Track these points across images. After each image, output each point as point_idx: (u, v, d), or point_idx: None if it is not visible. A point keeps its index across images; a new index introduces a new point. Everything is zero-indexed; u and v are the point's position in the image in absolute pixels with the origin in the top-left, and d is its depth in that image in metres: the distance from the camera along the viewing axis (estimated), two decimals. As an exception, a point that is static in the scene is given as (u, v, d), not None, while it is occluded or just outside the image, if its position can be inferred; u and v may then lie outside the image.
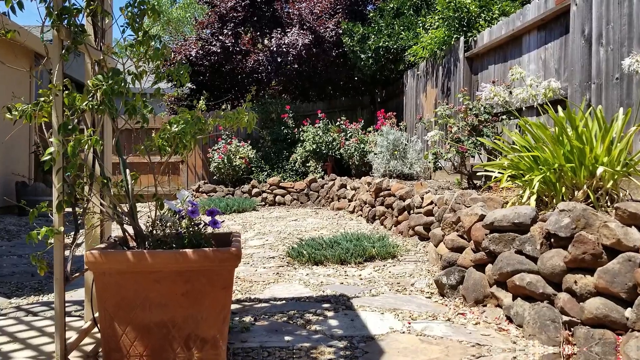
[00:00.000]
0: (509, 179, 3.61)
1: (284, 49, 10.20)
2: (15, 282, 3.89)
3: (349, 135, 9.22)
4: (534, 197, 3.24)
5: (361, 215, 7.43)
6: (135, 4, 2.04)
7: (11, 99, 2.21)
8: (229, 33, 11.13)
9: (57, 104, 1.96)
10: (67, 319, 2.79)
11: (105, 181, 2.31)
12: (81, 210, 2.27)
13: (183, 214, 2.40)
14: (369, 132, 9.24)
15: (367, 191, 7.34)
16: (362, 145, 8.82)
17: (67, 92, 2.11)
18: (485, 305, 2.98)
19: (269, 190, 9.70)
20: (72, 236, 2.19)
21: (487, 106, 5.48)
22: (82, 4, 2.22)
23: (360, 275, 3.94)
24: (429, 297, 3.29)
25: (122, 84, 2.04)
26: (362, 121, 9.63)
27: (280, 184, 9.66)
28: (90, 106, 2.12)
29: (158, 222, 2.27)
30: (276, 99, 10.79)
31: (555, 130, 3.46)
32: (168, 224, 2.23)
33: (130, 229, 2.34)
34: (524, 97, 3.36)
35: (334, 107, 11.16)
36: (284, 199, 9.60)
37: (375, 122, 9.42)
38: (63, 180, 1.94)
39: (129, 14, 2.05)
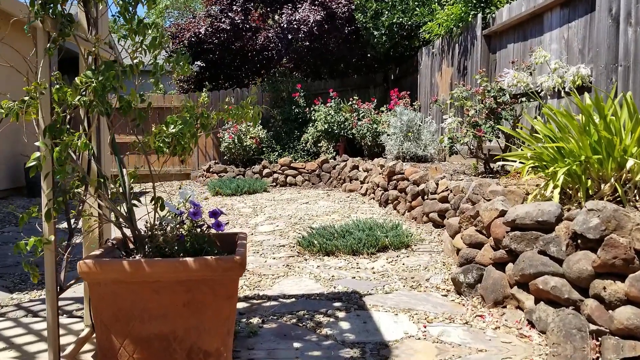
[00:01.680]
0: (530, 169, 3.42)
1: (295, 26, 9.91)
2: (19, 273, 3.82)
3: (361, 115, 8.99)
4: (557, 189, 3.05)
5: (373, 198, 7.27)
6: (128, -9, 1.85)
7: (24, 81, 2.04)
8: (238, 9, 10.84)
9: (43, 103, 1.80)
10: (67, 320, 2.69)
11: (102, 180, 2.17)
12: (76, 212, 2.14)
13: (184, 216, 2.26)
14: (382, 111, 9.01)
15: (380, 174, 7.16)
16: (374, 126, 8.60)
17: (57, 87, 1.95)
18: (505, 307, 2.82)
19: (280, 171, 9.56)
20: (66, 241, 2.06)
21: (506, 88, 5.23)
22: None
23: (372, 268, 3.80)
24: (445, 295, 3.14)
25: (115, 79, 1.87)
26: (375, 100, 9.38)
27: (292, 165, 9.50)
28: (83, 102, 1.96)
29: (158, 224, 2.13)
30: (287, 77, 10.53)
31: (581, 119, 3.24)
32: (168, 228, 2.09)
33: (129, 231, 2.20)
34: (550, 86, 3.14)
35: (347, 85, 10.90)
36: (295, 179, 9.46)
37: (388, 101, 9.16)
38: (53, 186, 1.79)
39: (121, 1, 1.87)
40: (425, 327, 2.64)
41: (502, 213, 3.00)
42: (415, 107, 8.62)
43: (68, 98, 1.95)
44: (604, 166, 3.01)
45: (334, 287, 3.33)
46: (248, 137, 9.70)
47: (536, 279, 2.59)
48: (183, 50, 10.91)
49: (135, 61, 2.12)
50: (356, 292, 3.21)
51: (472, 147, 5.42)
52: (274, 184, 9.51)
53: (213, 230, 2.29)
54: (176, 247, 2.08)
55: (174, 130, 1.85)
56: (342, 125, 9.21)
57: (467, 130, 5.18)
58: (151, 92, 13.20)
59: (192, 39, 10.56)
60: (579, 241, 2.52)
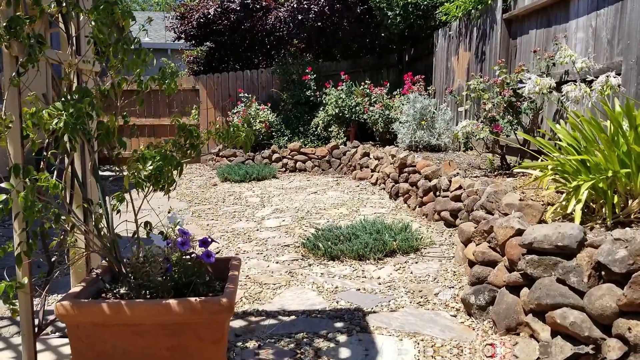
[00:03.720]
0: (551, 180, 3.18)
1: (305, 5, 9.57)
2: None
3: (373, 100, 8.70)
4: (580, 205, 2.83)
5: (384, 189, 7.06)
6: (100, 10, 1.64)
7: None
8: (248, -13, 10.48)
9: (11, 137, 1.62)
10: (58, 340, 2.56)
11: (87, 206, 2.00)
12: (58, 241, 1.98)
13: (171, 245, 2.09)
14: (395, 96, 8.71)
15: (391, 164, 6.94)
16: (386, 112, 8.32)
17: (32, 111, 1.77)
18: (518, 334, 2.64)
19: (290, 156, 9.36)
20: (45, 276, 1.90)
21: (527, 94, 4.93)
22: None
23: (379, 277, 3.62)
24: (454, 316, 2.96)
25: (91, 106, 1.68)
26: (388, 84, 9.07)
27: (301, 150, 9.30)
28: (60, 127, 1.78)
29: (142, 258, 1.96)
30: (297, 58, 10.22)
31: (609, 127, 2.99)
32: (152, 265, 1.93)
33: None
34: (576, 96, 2.88)
35: (359, 66, 10.56)
36: (305, 165, 9.26)
37: (401, 85, 8.84)
38: (25, 226, 1.62)
39: (94, 22, 1.66)
40: (432, 357, 2.47)
41: (519, 232, 2.79)
42: (430, 91, 8.31)
43: (44, 121, 1.77)
44: (633, 180, 2.78)
45: (337, 302, 3.17)
46: (257, 121, 9.49)
47: (554, 310, 2.39)
48: (191, 31, 10.59)
49: (117, 79, 1.93)
50: (359, 310, 3.04)
51: (488, 142, 5.16)
52: (283, 169, 9.33)
53: (215, 246, 2.13)
54: (160, 286, 1.92)
55: (151, 168, 1.66)
56: (354, 110, 8.94)
57: (484, 126, 4.92)
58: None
59: (201, 20, 10.26)
60: (603, 272, 2.31)
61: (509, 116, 4.91)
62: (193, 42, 11.13)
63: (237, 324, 2.85)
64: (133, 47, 1.87)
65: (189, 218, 5.76)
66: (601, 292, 2.25)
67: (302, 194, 7.07)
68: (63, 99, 1.64)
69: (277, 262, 4.02)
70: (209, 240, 2.14)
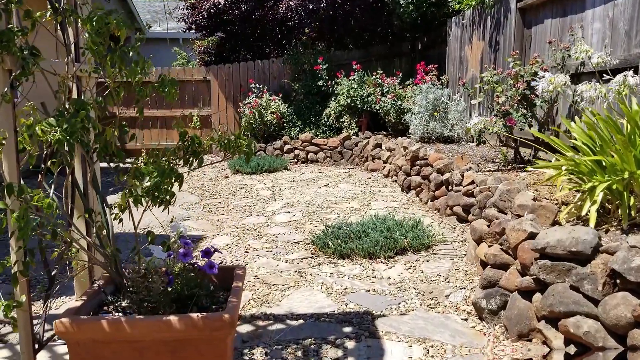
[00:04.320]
0: (566, 180, 3.09)
1: (317, -7, 9.42)
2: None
3: (385, 90, 8.57)
4: (595, 206, 2.74)
5: (396, 181, 6.98)
6: (94, 20, 1.59)
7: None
8: (259, -24, 10.35)
9: (6, 154, 1.59)
10: (63, 348, 2.57)
11: (88, 215, 1.98)
12: (59, 252, 1.96)
13: (173, 255, 2.06)
14: (407, 85, 8.57)
15: (403, 156, 6.85)
16: (399, 102, 8.19)
17: (28, 123, 1.73)
18: (530, 340, 2.58)
19: (301, 147, 9.30)
20: (46, 290, 1.89)
21: (541, 71, 4.80)
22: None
23: (389, 277, 3.58)
24: (465, 320, 2.91)
25: (87, 119, 1.64)
26: (400, 74, 8.92)
27: (313, 141, 9.23)
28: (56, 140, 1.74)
29: (144, 270, 1.94)
30: (309, 48, 10.09)
31: (626, 126, 2.88)
32: (154, 279, 1.90)
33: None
34: (591, 96, 2.77)
35: (371, 55, 10.39)
36: (317, 156, 9.20)
37: (414, 74, 8.70)
38: (22, 244, 1.59)
39: (87, 35, 1.61)
40: (441, 365, 2.43)
41: (531, 235, 2.71)
42: (443, 81, 8.16)
43: (39, 134, 1.73)
44: (650, 181, 2.68)
45: (346, 305, 3.13)
46: (269, 111, 9.42)
47: (567, 318, 2.33)
48: (202, 21, 10.48)
49: (116, 88, 1.88)
50: (369, 313, 3.00)
51: (501, 136, 5.05)
52: (295, 160, 9.28)
53: (217, 256, 2.09)
54: (162, 298, 1.89)
55: (148, 184, 1.62)
56: (366, 100, 8.82)
57: (497, 119, 4.80)
58: (173, 65, 13.01)
59: (212, 10, 10.17)
60: (618, 281, 2.24)
61: (522, 109, 4.79)
62: (204, 32, 11.06)
63: (244, 328, 2.83)
64: (131, 54, 1.82)
65: (199, 213, 5.75)
66: (616, 301, 2.18)
67: (313, 186, 7.02)
68: (58, 112, 1.60)
69: (286, 261, 3.99)
70: (212, 250, 2.10)
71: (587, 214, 2.78)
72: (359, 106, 8.92)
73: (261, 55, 11.22)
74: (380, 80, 8.76)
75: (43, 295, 1.90)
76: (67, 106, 1.64)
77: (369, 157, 8.40)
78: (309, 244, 4.39)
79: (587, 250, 2.40)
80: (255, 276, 3.65)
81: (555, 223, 2.97)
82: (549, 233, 2.57)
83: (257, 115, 9.42)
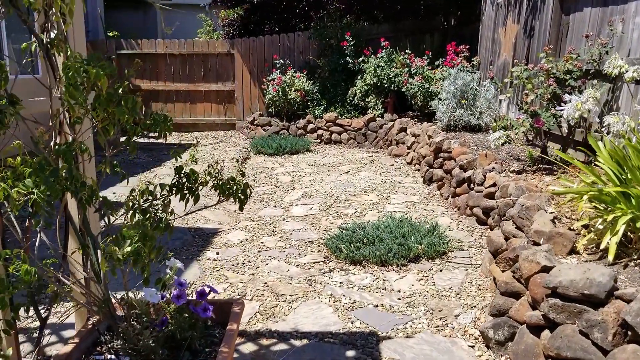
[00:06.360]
0: (587, 207, 2.92)
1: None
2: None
3: (413, 72, 8.29)
4: (615, 239, 2.59)
5: (418, 170, 6.83)
6: (69, 74, 1.51)
7: None
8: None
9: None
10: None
11: (82, 250, 1.97)
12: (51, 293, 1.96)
13: (168, 294, 2.04)
14: (437, 66, 8.27)
15: (427, 144, 6.67)
16: (426, 85, 7.92)
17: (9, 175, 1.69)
18: (536, 379, 2.50)
19: (325, 127, 9.18)
20: (37, 337, 1.90)
21: (574, 68, 4.52)
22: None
23: (399, 289, 3.52)
24: (472, 347, 2.84)
25: (73, 175, 1.59)
26: (430, 53, 8.60)
27: (337, 121, 9.08)
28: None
29: (134, 317, 1.93)
30: (336, 21, 9.77)
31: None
32: (143, 327, 1.88)
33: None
34: (620, 130, 2.58)
35: (400, 30, 10.00)
36: (340, 137, 9.07)
37: (444, 53, 8.38)
38: (9, 303, 1.58)
39: (64, 88, 1.54)
40: (440, 403, 2.39)
41: (545, 269, 2.59)
42: (475, 63, 7.84)
43: (15, 198, 1.67)
44: (677, 215, 2.51)
45: (352, 323, 3.10)
46: (293, 89, 9.27)
47: (574, 367, 2.23)
48: None
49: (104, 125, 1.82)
50: (374, 334, 2.96)
51: (529, 136, 4.83)
52: (318, 140, 9.17)
53: (214, 293, 2.07)
54: (153, 345, 1.88)
55: (129, 250, 1.58)
56: (392, 80, 8.57)
57: (525, 119, 4.58)
58: (199, 32, 12.84)
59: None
60: (629, 332, 2.12)
61: (552, 109, 4.54)
62: (229, 3, 10.86)
63: (247, 348, 2.83)
64: (120, 93, 1.75)
65: (216, 200, 5.76)
66: (625, 355, 2.07)
67: (334, 173, 6.93)
68: (38, 165, 1.55)
69: (297, 265, 3.96)
70: (207, 292, 2.07)
71: (606, 247, 2.64)
72: (385, 86, 8.69)
73: (287, 28, 10.97)
74: (408, 61, 8.47)
75: (36, 337, 1.92)
76: (47, 157, 1.59)
77: (392, 141, 8.23)
78: (322, 245, 4.35)
79: (601, 294, 2.27)
80: (265, 283, 3.65)
81: (572, 252, 2.83)
82: (562, 271, 2.44)
83: (280, 93, 9.28)
